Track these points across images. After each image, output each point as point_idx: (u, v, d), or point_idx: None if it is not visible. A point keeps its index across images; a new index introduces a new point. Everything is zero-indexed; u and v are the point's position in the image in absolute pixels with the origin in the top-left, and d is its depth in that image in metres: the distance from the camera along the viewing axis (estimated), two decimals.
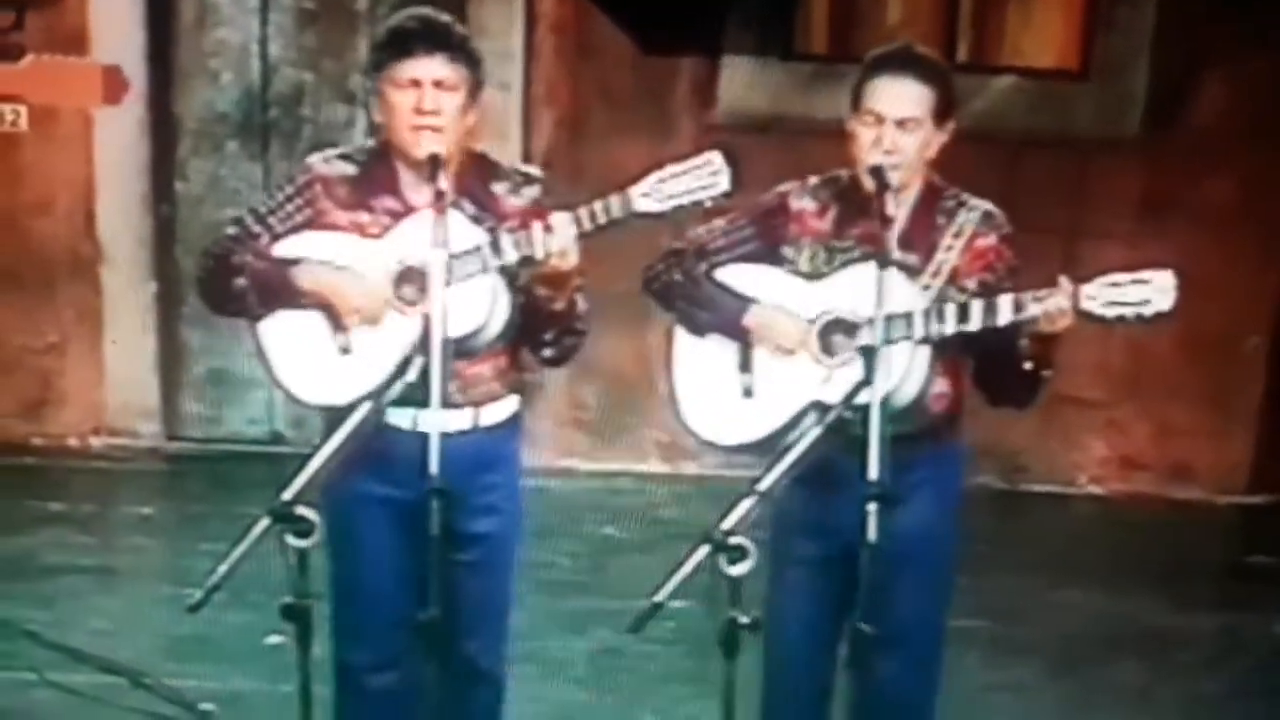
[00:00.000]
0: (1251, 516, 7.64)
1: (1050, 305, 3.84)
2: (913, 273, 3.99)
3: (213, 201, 7.76)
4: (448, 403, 3.79)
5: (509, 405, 4.18)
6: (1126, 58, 7.57)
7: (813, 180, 4.14)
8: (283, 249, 4.09)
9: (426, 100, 3.97)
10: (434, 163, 3.92)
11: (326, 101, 7.78)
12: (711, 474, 6.42)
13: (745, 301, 4.07)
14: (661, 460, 7.70)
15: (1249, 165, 7.48)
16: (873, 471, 3.66)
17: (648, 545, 6.56)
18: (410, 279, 4.00)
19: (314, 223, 4.10)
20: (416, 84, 3.98)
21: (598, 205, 3.92)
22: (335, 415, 3.93)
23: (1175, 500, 7.77)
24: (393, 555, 4.09)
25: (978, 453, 6.83)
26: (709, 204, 3.95)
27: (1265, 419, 7.73)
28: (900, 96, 3.96)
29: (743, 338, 4.07)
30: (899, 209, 3.96)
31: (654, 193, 3.91)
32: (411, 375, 3.92)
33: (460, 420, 4.02)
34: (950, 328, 3.91)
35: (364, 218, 4.08)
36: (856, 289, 3.94)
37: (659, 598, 3.57)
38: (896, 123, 3.95)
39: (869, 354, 3.79)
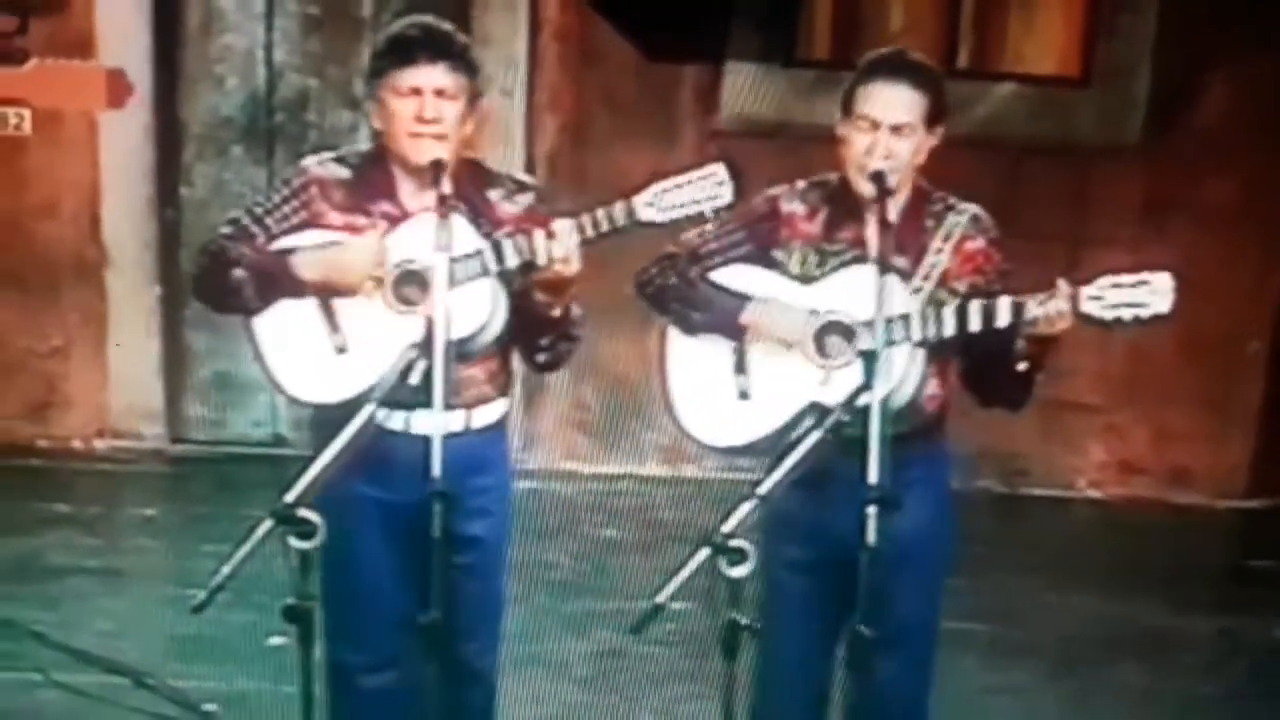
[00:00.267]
0: (1250, 521, 7.66)
1: (1050, 308, 3.85)
2: (903, 276, 3.99)
3: (217, 206, 7.71)
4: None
5: (499, 407, 4.18)
6: (1128, 64, 7.57)
7: (801, 184, 4.13)
8: (279, 247, 4.08)
9: (428, 109, 3.97)
10: (436, 168, 3.92)
11: (331, 107, 7.79)
12: (712, 477, 6.41)
13: (742, 299, 4.06)
14: (662, 463, 7.69)
15: (1250, 169, 7.49)
16: (873, 474, 3.66)
17: (648, 547, 6.54)
18: (411, 281, 4.00)
19: (310, 224, 4.09)
20: (418, 92, 3.98)
21: (601, 213, 3.93)
22: (325, 416, 3.94)
23: (1174, 504, 7.78)
24: (386, 558, 4.09)
25: (978, 456, 6.91)
26: (711, 215, 3.97)
27: (1265, 423, 7.74)
28: (894, 102, 3.96)
29: (740, 337, 4.06)
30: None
31: (657, 202, 3.92)
32: (415, 378, 3.91)
33: (453, 422, 3.98)
34: (949, 330, 3.92)
35: (360, 220, 4.07)
36: (849, 291, 3.95)
37: (660, 599, 3.58)
38: (891, 128, 3.95)
39: (869, 357, 3.79)
